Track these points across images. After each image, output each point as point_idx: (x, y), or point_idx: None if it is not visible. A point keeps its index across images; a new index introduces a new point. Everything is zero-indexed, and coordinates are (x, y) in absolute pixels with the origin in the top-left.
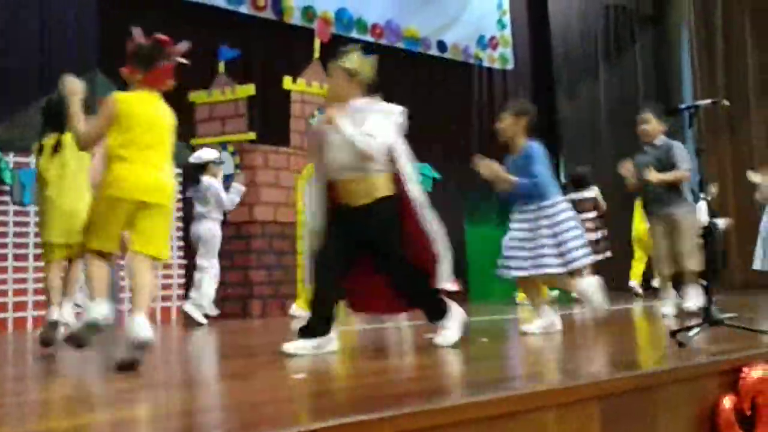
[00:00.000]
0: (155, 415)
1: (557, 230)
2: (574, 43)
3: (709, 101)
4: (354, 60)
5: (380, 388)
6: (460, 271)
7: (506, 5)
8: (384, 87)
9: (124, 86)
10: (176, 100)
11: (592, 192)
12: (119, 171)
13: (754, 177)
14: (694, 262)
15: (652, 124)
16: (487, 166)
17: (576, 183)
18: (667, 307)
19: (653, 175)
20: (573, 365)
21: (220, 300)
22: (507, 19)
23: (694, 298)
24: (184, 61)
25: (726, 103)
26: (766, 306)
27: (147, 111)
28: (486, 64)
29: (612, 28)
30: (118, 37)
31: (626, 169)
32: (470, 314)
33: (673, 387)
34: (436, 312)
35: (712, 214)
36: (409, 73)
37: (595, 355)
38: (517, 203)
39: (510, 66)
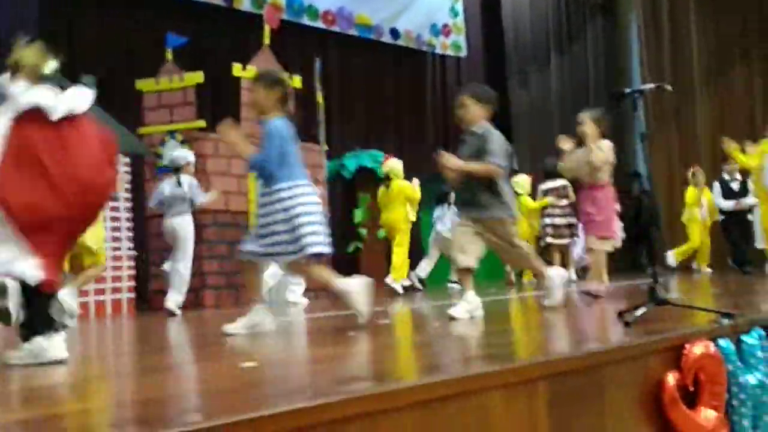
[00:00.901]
0: (97, 407)
1: (291, 214)
2: (525, 31)
3: (652, 86)
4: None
5: (328, 372)
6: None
7: None
8: (339, 75)
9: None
10: (123, 88)
11: (562, 181)
12: None
13: (564, 144)
14: (530, 263)
15: (469, 108)
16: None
17: (546, 174)
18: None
19: (448, 161)
20: (520, 346)
21: (197, 289)
22: (459, 6)
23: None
24: None
25: (669, 87)
26: (702, 286)
27: None
28: (439, 51)
29: (563, 16)
30: (60, 22)
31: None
32: (427, 300)
33: (618, 365)
34: None
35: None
36: (362, 60)
37: (543, 336)
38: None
39: (463, 53)
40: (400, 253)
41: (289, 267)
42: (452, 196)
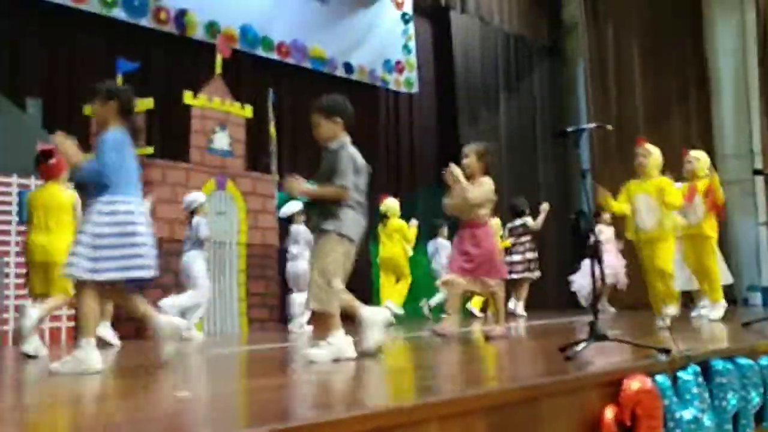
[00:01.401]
0: None
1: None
2: (475, 71)
3: (594, 125)
4: None
5: (265, 404)
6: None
7: (411, 31)
8: (293, 107)
9: (12, 97)
10: (71, 112)
11: (526, 219)
12: None
13: (451, 179)
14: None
15: (321, 126)
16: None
17: (512, 212)
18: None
19: (294, 186)
20: (459, 378)
21: (115, 320)
22: (412, 44)
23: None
24: None
25: (609, 127)
26: (642, 323)
27: None
28: (392, 87)
29: (512, 57)
30: (8, 46)
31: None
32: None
33: (557, 399)
34: None
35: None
36: (316, 93)
37: (482, 369)
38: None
39: (415, 90)
40: (405, 285)
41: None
42: (444, 230)
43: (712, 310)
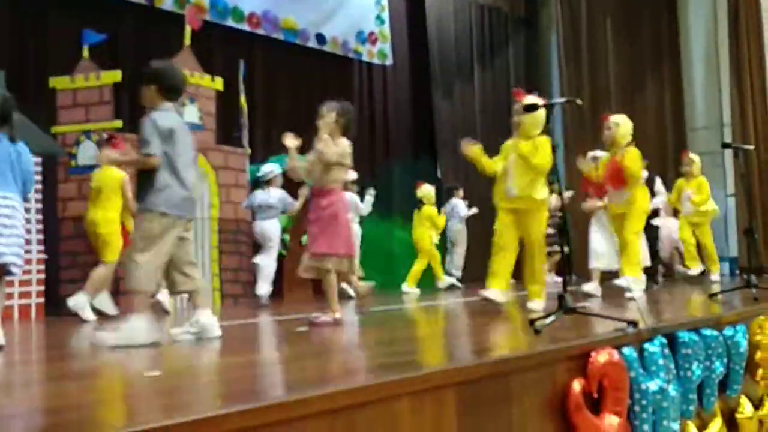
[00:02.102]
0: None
1: None
2: (449, 43)
3: (563, 100)
4: None
5: (236, 383)
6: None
7: (384, 2)
8: (265, 79)
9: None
10: (36, 85)
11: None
12: None
13: (290, 141)
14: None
15: (144, 93)
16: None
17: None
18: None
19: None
20: (428, 355)
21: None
22: (385, 15)
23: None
24: None
25: (579, 102)
26: (613, 294)
27: None
28: (365, 58)
29: (486, 29)
30: None
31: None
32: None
33: (526, 372)
34: None
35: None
36: (288, 64)
37: (454, 343)
38: None
39: (389, 61)
40: (421, 264)
41: None
42: (460, 191)
43: (632, 286)
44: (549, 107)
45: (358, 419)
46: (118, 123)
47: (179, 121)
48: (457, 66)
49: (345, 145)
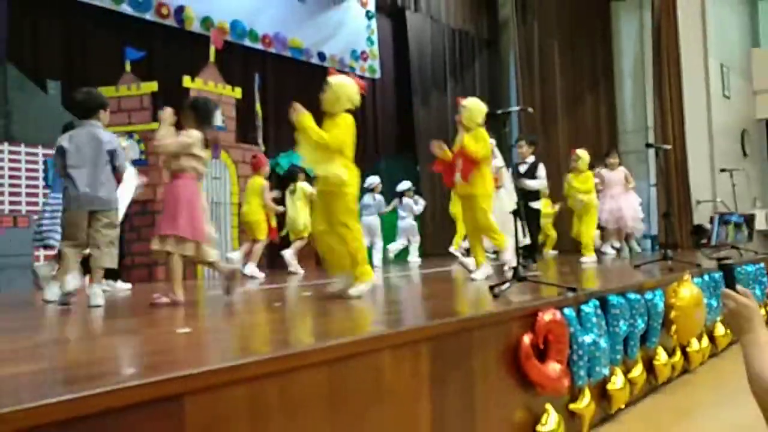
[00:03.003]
0: (41, 368)
1: None
2: (427, 60)
3: (517, 108)
4: None
5: (241, 340)
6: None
7: (374, 26)
8: (276, 89)
9: (35, 79)
10: None
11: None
12: None
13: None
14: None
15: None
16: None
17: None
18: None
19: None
20: (407, 314)
21: (129, 267)
22: (375, 37)
23: None
24: None
25: (530, 110)
26: (562, 265)
27: None
28: (358, 72)
29: (457, 48)
30: (25, 32)
31: None
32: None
33: (486, 329)
34: None
35: None
36: (294, 77)
37: (426, 306)
38: None
39: (377, 76)
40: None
41: None
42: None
43: (477, 270)
44: (506, 114)
45: (348, 368)
46: (155, 125)
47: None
48: (433, 79)
49: (195, 135)
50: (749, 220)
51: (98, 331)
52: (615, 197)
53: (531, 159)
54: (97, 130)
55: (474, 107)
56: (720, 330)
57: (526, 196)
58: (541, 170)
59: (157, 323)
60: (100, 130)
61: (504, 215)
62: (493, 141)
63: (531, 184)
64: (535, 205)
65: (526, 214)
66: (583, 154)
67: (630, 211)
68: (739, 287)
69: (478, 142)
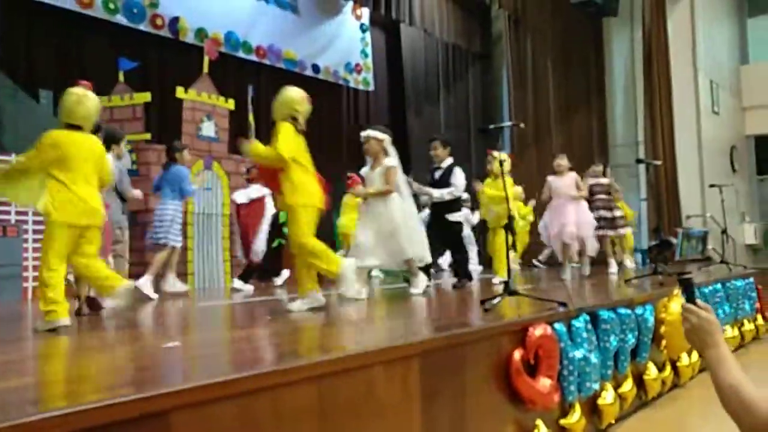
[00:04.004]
0: (20, 385)
1: None
2: (420, 73)
3: (510, 123)
4: None
5: (238, 354)
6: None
7: (368, 39)
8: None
9: (27, 89)
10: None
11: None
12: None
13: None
14: None
15: None
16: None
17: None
18: None
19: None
20: (397, 330)
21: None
22: (368, 50)
23: None
24: None
25: (522, 125)
26: (545, 280)
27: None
28: (352, 85)
29: (450, 61)
30: (18, 41)
31: None
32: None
33: (477, 344)
34: None
35: None
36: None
37: (417, 320)
38: None
39: (371, 88)
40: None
41: None
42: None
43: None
44: (499, 129)
45: (341, 383)
46: (147, 135)
47: None
48: (426, 92)
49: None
50: (704, 236)
51: (84, 345)
52: (558, 208)
53: (447, 163)
54: None
55: (284, 98)
56: None
57: (440, 207)
58: (458, 176)
59: (144, 337)
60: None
61: (407, 226)
62: (386, 137)
63: (437, 194)
64: (452, 217)
65: (440, 227)
66: (500, 156)
67: (580, 225)
68: (699, 302)
69: (277, 141)
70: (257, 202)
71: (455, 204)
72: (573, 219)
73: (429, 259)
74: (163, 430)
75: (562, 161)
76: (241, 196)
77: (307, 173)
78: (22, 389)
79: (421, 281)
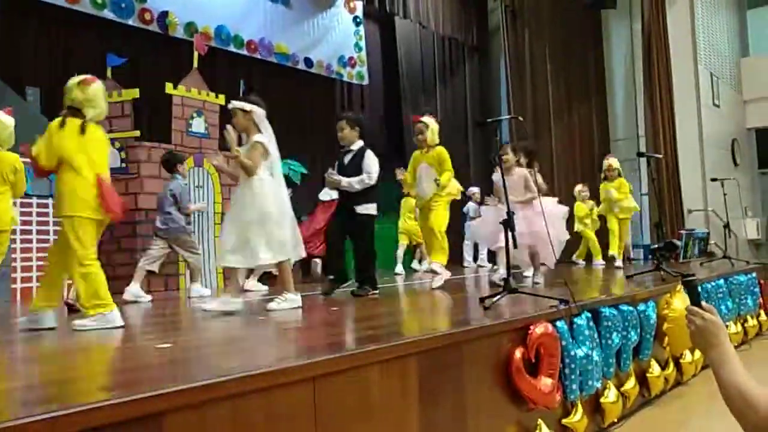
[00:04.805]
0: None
1: None
2: (416, 66)
3: (508, 117)
4: None
5: (234, 354)
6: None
7: (362, 32)
8: (261, 96)
9: (13, 85)
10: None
11: None
12: None
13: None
14: None
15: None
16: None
17: None
18: None
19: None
20: (396, 328)
21: (110, 279)
22: (362, 43)
23: None
24: None
25: (521, 118)
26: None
27: None
28: (346, 79)
29: (446, 54)
30: (4, 38)
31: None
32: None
33: (477, 342)
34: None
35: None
36: (280, 84)
37: (415, 318)
38: None
39: (365, 82)
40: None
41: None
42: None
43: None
44: (497, 122)
45: (335, 384)
46: (136, 133)
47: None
48: (422, 85)
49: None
50: (707, 238)
51: (75, 347)
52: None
53: (357, 145)
54: (170, 182)
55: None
56: None
57: (348, 197)
58: (371, 161)
59: (136, 338)
60: (174, 181)
61: (270, 220)
62: (257, 109)
63: (345, 182)
64: (362, 209)
65: (346, 220)
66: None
67: (531, 235)
68: (704, 304)
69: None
70: None
71: (367, 194)
72: (523, 228)
73: (288, 257)
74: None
75: (508, 154)
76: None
77: (80, 178)
78: (12, 391)
79: (290, 299)
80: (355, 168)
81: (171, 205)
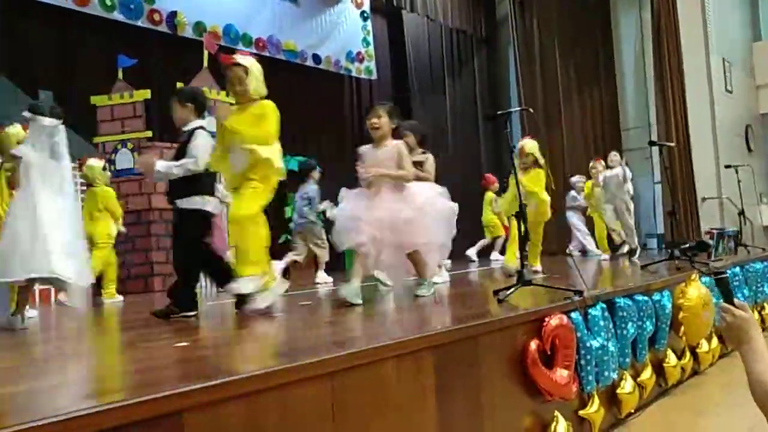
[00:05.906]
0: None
1: None
2: (424, 60)
3: (518, 109)
4: None
5: (250, 350)
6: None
7: (369, 26)
8: (270, 93)
9: (25, 88)
10: (80, 102)
11: None
12: None
13: None
14: None
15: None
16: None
17: None
18: None
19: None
20: (410, 322)
21: (125, 278)
22: (370, 38)
23: None
24: None
25: (531, 110)
26: (564, 268)
27: None
28: (354, 74)
29: (454, 48)
30: (16, 42)
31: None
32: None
33: (492, 335)
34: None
35: None
36: (289, 80)
37: (431, 312)
38: None
39: (374, 77)
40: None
41: None
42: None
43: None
44: (507, 115)
45: (352, 379)
46: (149, 133)
47: None
48: (431, 79)
49: None
50: (736, 236)
51: (94, 347)
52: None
53: (192, 125)
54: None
55: None
56: None
57: (171, 187)
58: (200, 142)
59: (154, 337)
60: (308, 185)
61: (56, 225)
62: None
63: (162, 167)
64: (185, 204)
65: (181, 219)
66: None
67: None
68: (736, 300)
69: None
70: None
71: (194, 184)
72: (382, 215)
73: (78, 280)
74: (176, 430)
75: (381, 117)
76: None
77: None
78: (34, 392)
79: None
80: (182, 151)
81: (306, 206)
